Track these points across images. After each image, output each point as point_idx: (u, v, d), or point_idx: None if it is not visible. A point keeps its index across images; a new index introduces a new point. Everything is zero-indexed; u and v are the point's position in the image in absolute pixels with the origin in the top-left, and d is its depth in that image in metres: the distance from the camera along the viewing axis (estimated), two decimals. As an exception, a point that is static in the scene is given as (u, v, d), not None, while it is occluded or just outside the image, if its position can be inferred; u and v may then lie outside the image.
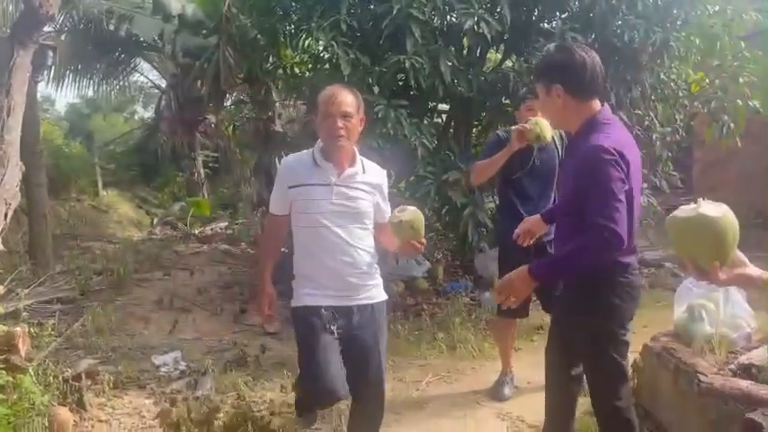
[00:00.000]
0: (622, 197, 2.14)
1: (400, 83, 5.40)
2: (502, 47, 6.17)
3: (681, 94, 6.35)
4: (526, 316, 3.95)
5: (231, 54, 6.99)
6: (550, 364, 2.61)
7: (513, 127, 3.58)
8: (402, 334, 4.97)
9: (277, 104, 8.19)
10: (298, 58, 6.51)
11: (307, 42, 5.62)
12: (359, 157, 2.57)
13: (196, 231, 9.54)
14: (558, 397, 2.62)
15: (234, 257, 8.04)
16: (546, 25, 5.57)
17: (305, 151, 2.59)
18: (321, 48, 5.58)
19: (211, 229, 9.83)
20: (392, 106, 4.92)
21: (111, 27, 8.35)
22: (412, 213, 2.43)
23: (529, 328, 5.13)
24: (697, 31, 5.85)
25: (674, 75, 6.17)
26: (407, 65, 4.77)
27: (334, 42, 4.81)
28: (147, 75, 11.51)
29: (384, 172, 2.67)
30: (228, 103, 10.29)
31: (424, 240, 2.46)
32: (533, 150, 3.62)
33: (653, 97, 6.13)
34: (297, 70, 6.59)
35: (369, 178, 2.57)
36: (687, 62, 6.02)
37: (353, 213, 2.50)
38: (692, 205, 1.56)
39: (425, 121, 5.28)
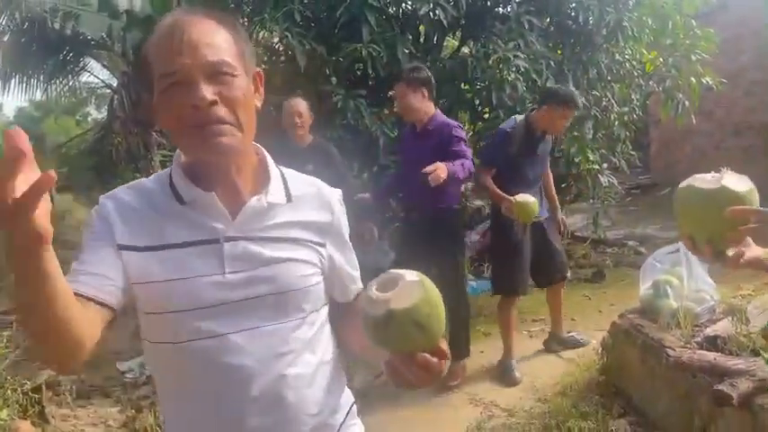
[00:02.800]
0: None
1: (358, 72, 5.34)
2: (459, 33, 6.16)
3: (636, 73, 6.44)
4: (525, 293, 4.17)
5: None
6: None
7: (507, 203, 3.79)
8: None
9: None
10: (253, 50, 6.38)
11: (261, 34, 5.50)
12: (272, 167, 1.18)
13: (157, 233, 9.32)
14: None
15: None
16: (502, 10, 5.56)
17: (156, 175, 1.18)
18: (276, 39, 5.48)
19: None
20: (351, 96, 4.86)
21: (57, 26, 8.05)
22: (413, 289, 0.96)
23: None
24: (649, 11, 5.94)
25: (629, 55, 6.25)
26: (364, 53, 4.71)
27: (288, 33, 4.71)
28: (97, 74, 11.17)
29: (336, 192, 1.25)
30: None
31: (444, 346, 1.00)
32: (538, 139, 3.98)
33: (609, 78, 6.21)
34: (253, 64, 6.44)
35: (304, 213, 1.17)
36: (641, 42, 6.10)
37: (276, 297, 1.10)
38: (711, 175, 1.24)
39: (386, 110, 5.22)
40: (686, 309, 3.13)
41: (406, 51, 5.01)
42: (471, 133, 5.74)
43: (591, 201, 6.74)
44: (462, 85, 5.54)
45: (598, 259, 6.70)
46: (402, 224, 4.52)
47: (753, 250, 1.28)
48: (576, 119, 5.85)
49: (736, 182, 1.21)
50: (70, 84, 10.42)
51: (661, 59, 6.36)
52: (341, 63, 4.89)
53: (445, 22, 4.84)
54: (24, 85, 9.46)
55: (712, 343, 2.72)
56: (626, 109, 6.17)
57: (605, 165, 6.31)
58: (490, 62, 4.88)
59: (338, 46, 4.94)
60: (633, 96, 6.39)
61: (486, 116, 5.51)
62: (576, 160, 6.34)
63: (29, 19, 8.02)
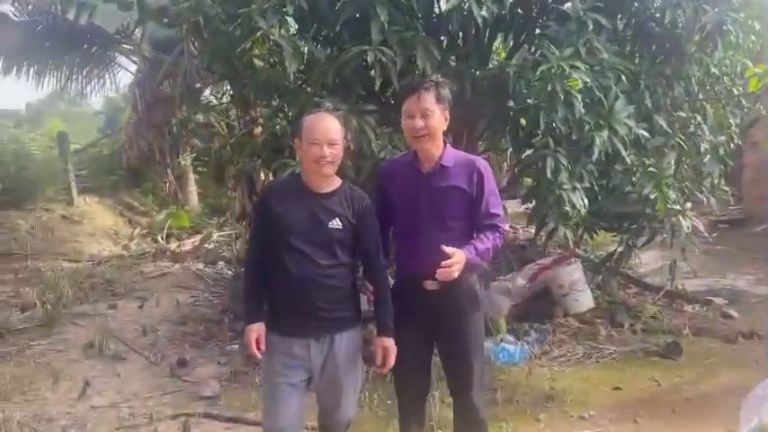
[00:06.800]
0: None
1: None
2: (512, 35, 4.96)
3: (736, 91, 5.08)
4: None
5: (196, 47, 5.98)
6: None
7: None
8: (371, 405, 3.85)
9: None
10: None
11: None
12: None
13: (173, 246, 8.53)
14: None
15: (203, 280, 7.00)
16: (560, 6, 4.28)
17: None
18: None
19: (193, 243, 8.82)
20: (354, 112, 3.78)
21: (71, 17, 7.35)
22: None
23: (538, 396, 3.97)
24: (758, 13, 4.61)
25: (728, 68, 4.91)
26: (370, 58, 3.61)
27: (274, 30, 3.68)
28: (129, 69, 10.52)
29: None
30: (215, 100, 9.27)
31: None
32: None
33: (701, 96, 4.89)
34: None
35: None
36: (742, 51, 4.76)
37: None
38: None
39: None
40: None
41: (438, 57, 3.88)
42: (516, 162, 4.54)
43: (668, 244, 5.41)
44: (507, 102, 4.37)
45: (674, 321, 5.31)
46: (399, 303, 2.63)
47: None
48: (654, 149, 4.57)
49: None
50: (100, 77, 9.83)
51: (770, 75, 4.97)
52: (341, 70, 3.80)
53: (480, 20, 3.66)
54: (48, 77, 8.85)
55: None
56: (722, 138, 4.81)
57: (689, 204, 4.98)
58: (538, 74, 3.68)
59: (341, 48, 3.87)
60: (732, 121, 5.03)
61: (535, 141, 4.30)
62: (652, 197, 5.02)
63: (38, 10, 7.37)
